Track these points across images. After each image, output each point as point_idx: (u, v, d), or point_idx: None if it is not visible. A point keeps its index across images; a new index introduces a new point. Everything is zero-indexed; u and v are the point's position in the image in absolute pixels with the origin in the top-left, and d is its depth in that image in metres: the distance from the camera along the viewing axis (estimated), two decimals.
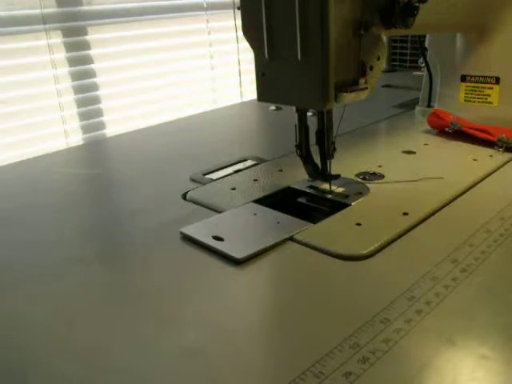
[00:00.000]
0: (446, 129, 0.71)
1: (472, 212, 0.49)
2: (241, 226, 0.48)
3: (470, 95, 0.74)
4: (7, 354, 0.33)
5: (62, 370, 0.31)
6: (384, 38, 0.50)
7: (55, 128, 1.28)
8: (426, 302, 0.35)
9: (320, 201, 0.53)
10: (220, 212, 0.51)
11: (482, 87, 0.72)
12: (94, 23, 1.30)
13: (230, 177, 0.61)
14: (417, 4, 0.49)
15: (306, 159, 0.53)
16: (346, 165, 0.60)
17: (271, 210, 0.51)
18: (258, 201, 0.53)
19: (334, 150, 0.51)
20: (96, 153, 0.80)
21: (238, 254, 0.42)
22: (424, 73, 0.83)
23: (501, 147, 0.64)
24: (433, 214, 0.48)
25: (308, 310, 0.35)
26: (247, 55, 1.60)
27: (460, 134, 0.69)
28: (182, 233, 0.47)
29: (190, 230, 0.47)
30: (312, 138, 0.52)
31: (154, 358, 0.31)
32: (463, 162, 0.61)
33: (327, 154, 0.52)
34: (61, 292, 0.40)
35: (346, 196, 0.53)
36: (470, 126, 0.69)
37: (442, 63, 0.78)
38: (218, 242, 0.44)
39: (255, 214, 0.50)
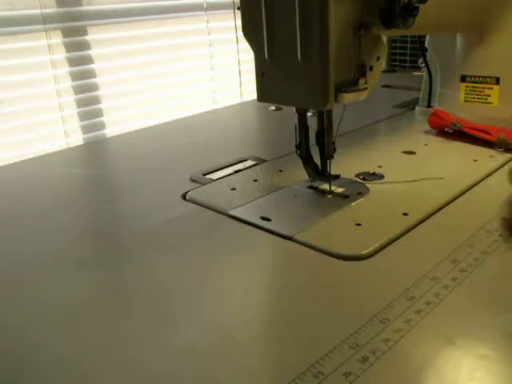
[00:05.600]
0: (446, 129, 0.71)
1: (472, 212, 0.49)
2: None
3: (469, 95, 0.74)
4: (7, 353, 0.33)
5: (60, 370, 0.31)
6: (384, 39, 0.50)
7: (55, 128, 1.28)
8: (425, 302, 0.35)
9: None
10: (220, 212, 0.51)
11: (482, 87, 0.72)
12: (94, 23, 1.30)
13: (230, 177, 0.61)
14: (417, 4, 0.49)
15: (306, 159, 0.53)
16: (345, 165, 0.60)
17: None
18: None
19: (334, 150, 0.51)
20: (96, 153, 0.80)
21: (289, 232, 0.45)
22: (424, 73, 0.83)
23: (500, 147, 0.64)
24: (433, 213, 0.48)
25: (307, 310, 0.35)
26: (247, 55, 1.60)
27: (460, 135, 0.69)
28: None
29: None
30: (312, 138, 0.52)
31: (156, 355, 0.31)
32: (463, 162, 0.61)
33: (327, 154, 0.52)
34: (61, 292, 0.40)
35: (346, 196, 0.53)
36: (470, 126, 0.69)
37: (442, 63, 0.78)
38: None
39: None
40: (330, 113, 0.50)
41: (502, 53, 0.70)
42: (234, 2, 1.56)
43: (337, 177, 0.53)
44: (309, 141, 0.53)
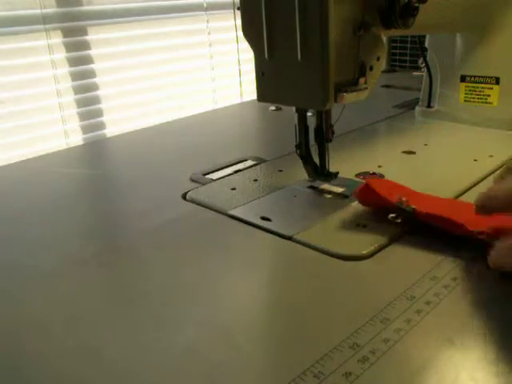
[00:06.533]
0: (391, 216, 0.45)
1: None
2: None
3: (469, 95, 0.74)
4: (7, 354, 0.33)
5: (61, 370, 0.31)
6: (384, 39, 0.50)
7: (55, 128, 1.28)
8: (425, 301, 0.35)
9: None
10: (220, 212, 0.51)
11: (482, 87, 0.72)
12: (94, 23, 1.30)
13: (230, 177, 0.61)
14: (417, 4, 0.49)
15: (306, 159, 0.53)
16: (345, 165, 0.60)
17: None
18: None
19: (333, 133, 0.51)
20: (96, 153, 0.80)
21: (288, 232, 0.45)
22: (424, 73, 0.84)
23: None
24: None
25: (308, 310, 0.35)
26: (247, 55, 1.60)
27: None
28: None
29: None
30: (312, 138, 0.52)
31: (155, 355, 0.31)
32: (463, 162, 0.61)
33: (326, 137, 0.51)
34: (61, 292, 0.40)
35: (346, 196, 0.53)
36: (429, 210, 0.43)
37: (442, 63, 0.78)
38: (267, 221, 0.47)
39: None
40: (328, 110, 0.50)
41: (502, 53, 0.70)
42: (233, 2, 1.56)
43: (336, 174, 0.53)
44: (309, 141, 0.53)
